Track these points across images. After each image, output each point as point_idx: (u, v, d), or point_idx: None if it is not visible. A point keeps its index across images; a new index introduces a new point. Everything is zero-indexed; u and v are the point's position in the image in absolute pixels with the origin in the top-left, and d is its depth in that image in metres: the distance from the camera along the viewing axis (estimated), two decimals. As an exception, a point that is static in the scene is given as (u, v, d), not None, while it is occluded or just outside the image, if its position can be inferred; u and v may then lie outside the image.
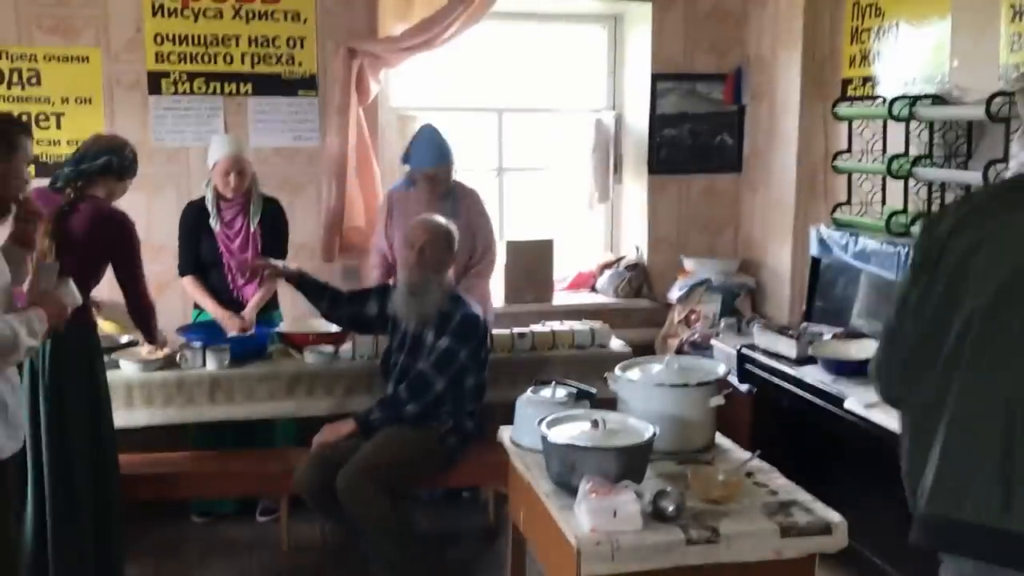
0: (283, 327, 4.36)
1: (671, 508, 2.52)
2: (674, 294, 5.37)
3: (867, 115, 4.34)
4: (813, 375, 3.90)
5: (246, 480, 4.03)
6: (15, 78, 4.70)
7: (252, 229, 4.29)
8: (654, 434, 2.74)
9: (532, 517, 2.96)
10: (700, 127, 5.57)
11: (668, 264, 5.58)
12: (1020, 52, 3.66)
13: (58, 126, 4.73)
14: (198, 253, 4.32)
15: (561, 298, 5.59)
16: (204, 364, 4.00)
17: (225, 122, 4.93)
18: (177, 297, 4.67)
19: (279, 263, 4.09)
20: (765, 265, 5.38)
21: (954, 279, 1.83)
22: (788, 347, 4.14)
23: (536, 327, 4.39)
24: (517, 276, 5.30)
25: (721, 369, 3.24)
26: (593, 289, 5.75)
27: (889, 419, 3.34)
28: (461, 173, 4.64)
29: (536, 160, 5.80)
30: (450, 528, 4.46)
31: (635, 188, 5.71)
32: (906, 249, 3.78)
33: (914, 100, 3.98)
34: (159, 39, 4.82)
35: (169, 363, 4.01)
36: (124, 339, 4.17)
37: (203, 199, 4.33)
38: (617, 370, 3.19)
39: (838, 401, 3.64)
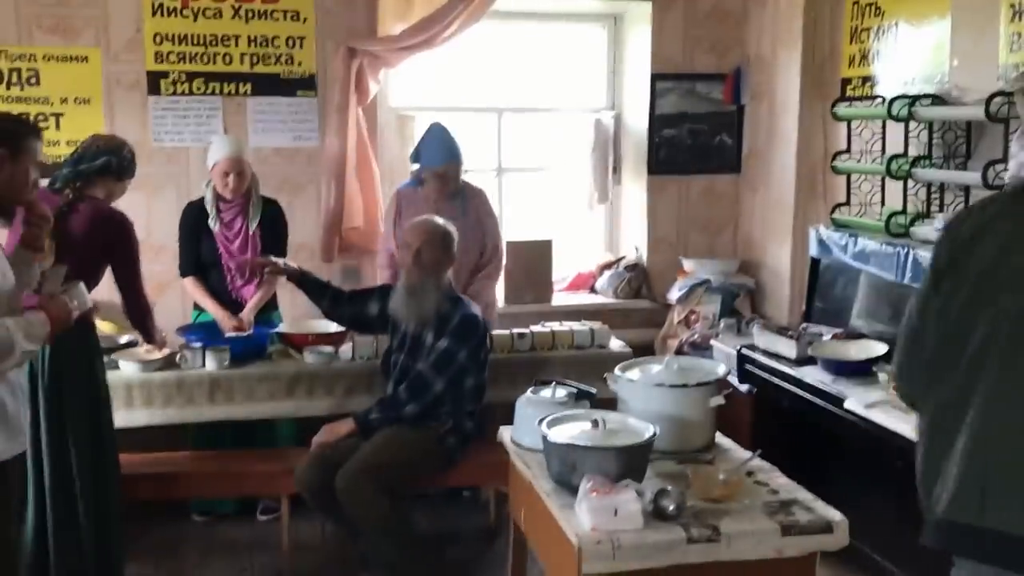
0: (283, 327, 4.36)
1: (672, 507, 2.51)
2: (674, 294, 5.37)
3: (866, 115, 4.34)
4: (813, 375, 3.91)
5: (246, 480, 4.02)
6: (14, 78, 4.70)
7: (251, 230, 4.29)
8: (654, 434, 2.74)
9: (533, 516, 2.96)
10: (699, 127, 5.57)
11: (667, 264, 5.58)
12: (1020, 52, 3.66)
13: (57, 126, 4.72)
14: (198, 253, 4.32)
15: (560, 298, 5.59)
16: (204, 364, 4.00)
17: (224, 122, 4.92)
18: (177, 297, 4.67)
19: (280, 261, 4.09)
20: (765, 265, 5.38)
21: (982, 280, 1.83)
22: (788, 347, 4.14)
23: (536, 327, 4.39)
24: (516, 276, 5.30)
25: (721, 369, 3.24)
26: (592, 290, 5.75)
27: (889, 419, 3.36)
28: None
29: (535, 160, 5.80)
30: (450, 528, 4.46)
31: (634, 188, 5.71)
32: (906, 250, 3.78)
33: (913, 100, 3.98)
34: (158, 39, 4.81)
35: (169, 363, 4.01)
36: (124, 339, 4.17)
37: (203, 199, 4.33)
38: (617, 370, 3.18)
39: (838, 401, 3.65)
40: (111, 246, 3.58)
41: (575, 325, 4.43)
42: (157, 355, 4.00)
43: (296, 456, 3.84)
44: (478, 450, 3.83)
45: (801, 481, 2.82)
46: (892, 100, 4.04)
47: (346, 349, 4.20)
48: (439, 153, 4.39)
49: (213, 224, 4.28)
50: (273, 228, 4.36)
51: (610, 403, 3.12)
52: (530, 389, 3.25)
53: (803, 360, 4.05)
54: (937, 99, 3.98)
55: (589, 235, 5.98)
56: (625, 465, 2.63)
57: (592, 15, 5.77)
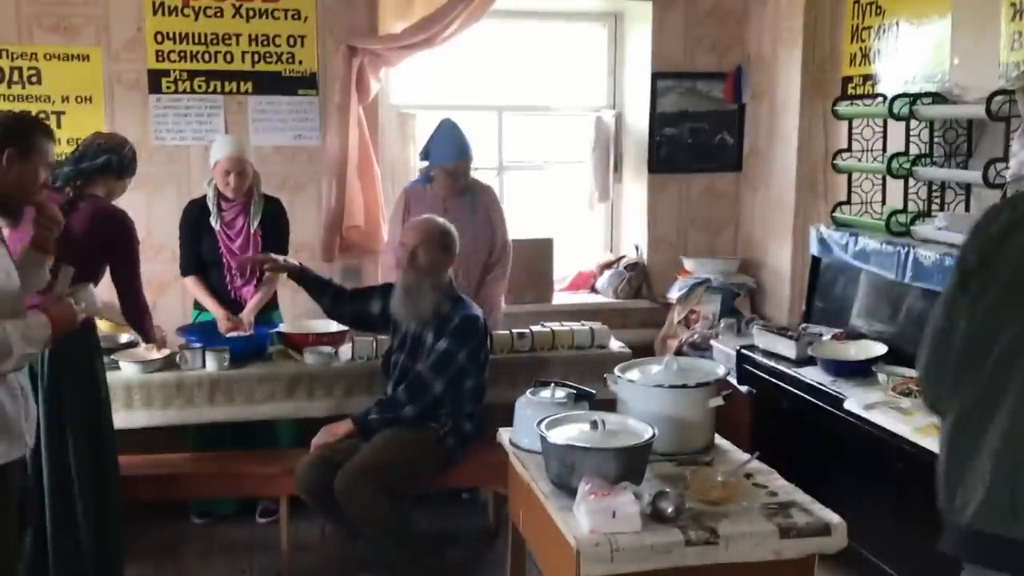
0: (283, 328, 4.36)
1: (670, 509, 2.52)
2: (674, 294, 5.36)
3: (867, 114, 4.33)
4: (812, 376, 3.90)
5: (246, 481, 4.02)
6: (15, 77, 4.70)
7: (253, 229, 4.29)
8: (653, 435, 2.74)
9: (531, 518, 2.96)
10: (700, 126, 5.56)
11: (668, 264, 5.58)
12: (1020, 50, 3.65)
13: (58, 125, 4.72)
14: (199, 252, 4.32)
15: (560, 298, 5.59)
16: (204, 365, 4.00)
17: (225, 121, 4.92)
18: (177, 297, 4.68)
19: (279, 257, 4.08)
20: (765, 265, 5.38)
21: (1015, 280, 1.81)
22: (787, 348, 4.13)
23: (536, 327, 4.39)
24: (517, 275, 5.28)
25: (720, 370, 3.24)
26: (593, 289, 5.74)
27: (888, 420, 3.35)
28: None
29: (536, 159, 5.79)
30: (450, 529, 4.46)
31: (635, 187, 5.71)
32: (907, 249, 3.77)
33: (914, 99, 3.97)
34: (159, 38, 4.81)
35: (169, 364, 4.00)
36: (124, 339, 4.16)
37: (204, 197, 4.33)
38: (616, 371, 3.18)
39: (838, 402, 3.64)
40: (111, 245, 3.57)
41: (575, 325, 4.42)
42: (157, 355, 4.00)
43: (296, 457, 3.84)
44: (477, 451, 3.82)
45: (800, 482, 2.82)
46: (893, 99, 4.03)
47: (346, 350, 4.20)
48: (450, 150, 4.38)
49: (215, 223, 4.28)
50: (274, 226, 4.36)
51: (609, 404, 3.12)
52: (529, 390, 3.25)
53: (803, 360, 4.04)
54: (938, 97, 3.97)
55: (589, 234, 5.97)
56: (624, 466, 2.63)
57: (593, 14, 5.76)
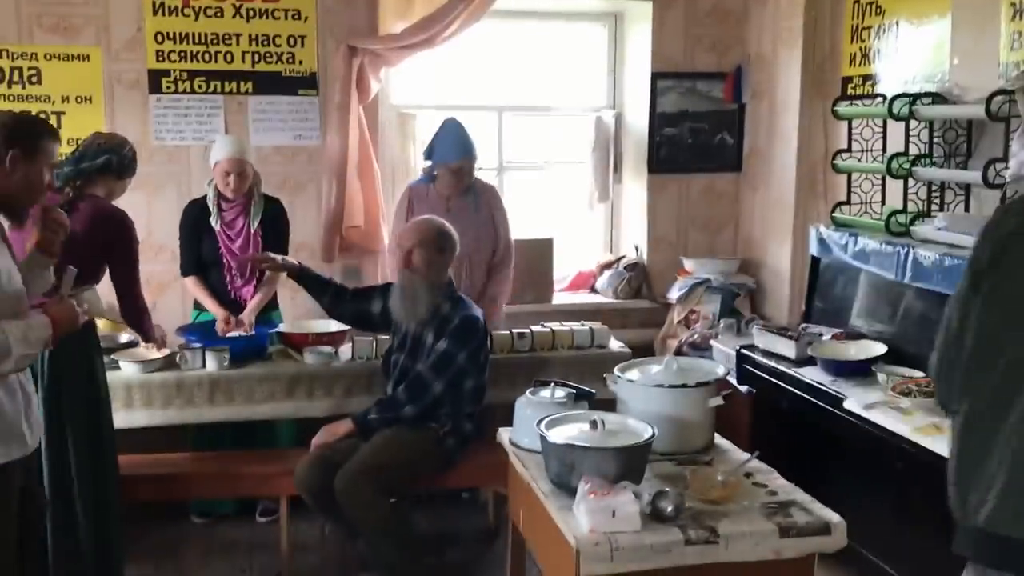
0: (283, 327, 4.36)
1: (670, 508, 2.52)
2: (674, 294, 5.36)
3: (867, 114, 4.33)
4: (812, 376, 3.90)
5: (246, 481, 4.02)
6: (16, 77, 4.70)
7: (253, 229, 4.29)
8: (653, 435, 2.74)
9: (531, 518, 2.96)
10: (700, 126, 5.56)
11: (668, 264, 5.58)
12: (1020, 50, 3.65)
13: (58, 125, 4.71)
14: (199, 253, 4.32)
15: (560, 298, 5.59)
16: (204, 365, 4.00)
17: (225, 121, 4.93)
18: (177, 297, 4.68)
19: (278, 257, 4.08)
20: (765, 265, 5.38)
21: None
22: (787, 348, 4.13)
23: (536, 327, 4.39)
24: (517, 275, 5.28)
25: (720, 370, 3.24)
26: (593, 289, 5.74)
27: (888, 420, 3.35)
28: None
29: (536, 159, 5.79)
30: (450, 529, 4.46)
31: (635, 187, 5.71)
32: (906, 249, 3.77)
33: (914, 99, 3.97)
34: (159, 38, 4.82)
35: (169, 364, 4.00)
36: (124, 339, 4.16)
37: (204, 198, 4.33)
38: (616, 371, 3.18)
39: (837, 402, 3.64)
40: (111, 245, 3.57)
41: (575, 325, 4.42)
42: (157, 355, 4.00)
43: (295, 457, 3.84)
44: (477, 451, 3.82)
45: (800, 482, 2.82)
46: (893, 99, 4.03)
47: (345, 349, 4.21)
48: (454, 149, 4.38)
49: (215, 223, 4.28)
50: (274, 226, 4.36)
51: (609, 404, 3.12)
52: (529, 390, 3.25)
53: (802, 360, 4.04)
54: (938, 98, 3.97)
55: (589, 234, 5.97)
56: (624, 466, 2.63)
57: (593, 14, 5.77)
